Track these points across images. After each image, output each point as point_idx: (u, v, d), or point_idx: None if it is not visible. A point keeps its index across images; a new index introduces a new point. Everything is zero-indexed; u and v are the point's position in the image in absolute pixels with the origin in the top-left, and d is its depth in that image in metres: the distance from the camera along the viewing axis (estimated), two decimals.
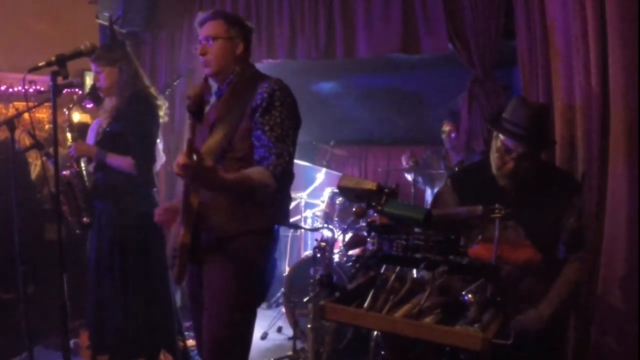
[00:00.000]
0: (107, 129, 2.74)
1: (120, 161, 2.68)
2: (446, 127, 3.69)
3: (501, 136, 2.01)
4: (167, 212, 2.05)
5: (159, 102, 2.82)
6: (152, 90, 2.84)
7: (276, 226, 1.95)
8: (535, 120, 1.97)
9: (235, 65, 1.95)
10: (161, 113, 2.82)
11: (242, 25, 1.98)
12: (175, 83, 3.81)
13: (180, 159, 1.50)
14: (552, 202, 2.01)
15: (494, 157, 2.06)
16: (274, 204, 1.88)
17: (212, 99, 2.03)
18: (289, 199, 2.01)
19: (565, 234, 2.01)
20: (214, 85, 2.05)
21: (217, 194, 1.79)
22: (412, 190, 3.70)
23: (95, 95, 2.84)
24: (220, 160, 1.83)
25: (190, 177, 1.55)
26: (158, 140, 2.90)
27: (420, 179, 3.77)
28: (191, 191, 1.74)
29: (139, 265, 2.75)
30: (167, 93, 3.60)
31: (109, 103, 2.79)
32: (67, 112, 2.86)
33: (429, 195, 3.90)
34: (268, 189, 1.75)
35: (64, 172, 2.73)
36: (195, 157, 1.50)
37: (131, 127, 2.67)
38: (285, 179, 1.83)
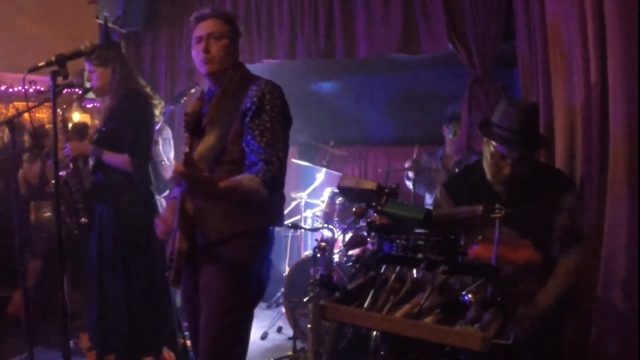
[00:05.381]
0: (103, 128, 2.75)
1: (116, 158, 2.68)
2: (458, 129, 3.59)
3: (494, 142, 1.99)
4: (169, 226, 2.02)
5: (155, 102, 2.82)
6: (148, 89, 2.84)
7: (270, 227, 1.95)
8: (526, 122, 1.95)
9: (231, 66, 1.94)
10: (157, 112, 2.82)
11: (237, 26, 1.97)
12: (192, 91, 3.69)
13: (178, 167, 1.54)
14: (543, 202, 2.00)
15: (488, 164, 2.04)
16: (266, 205, 1.87)
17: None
18: (282, 200, 2.00)
19: (557, 232, 2.01)
20: (205, 85, 2.06)
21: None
22: (413, 191, 3.70)
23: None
24: (215, 164, 1.84)
25: (186, 185, 1.59)
26: (170, 150, 2.89)
27: (421, 185, 3.76)
28: (187, 197, 1.76)
29: (141, 264, 2.75)
30: (182, 102, 3.53)
31: (102, 103, 2.80)
32: (61, 113, 2.85)
33: (427, 199, 3.89)
34: (260, 195, 1.76)
35: (61, 173, 2.73)
36: (192, 168, 1.54)
37: (126, 126, 2.67)
38: (276, 183, 1.82)
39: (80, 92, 3.01)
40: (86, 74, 2.79)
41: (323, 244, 2.91)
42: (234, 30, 1.95)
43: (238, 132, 1.83)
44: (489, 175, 2.05)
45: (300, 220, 4.15)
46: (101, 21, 4.08)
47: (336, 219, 3.76)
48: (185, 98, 3.54)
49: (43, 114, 5.37)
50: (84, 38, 2.09)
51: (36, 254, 3.77)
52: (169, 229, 1.98)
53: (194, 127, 1.53)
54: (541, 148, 2.40)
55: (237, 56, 1.99)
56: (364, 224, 3.21)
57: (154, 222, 2.10)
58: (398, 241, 1.59)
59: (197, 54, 1.92)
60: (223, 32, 1.90)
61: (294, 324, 3.51)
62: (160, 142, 3.55)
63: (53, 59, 1.91)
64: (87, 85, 2.81)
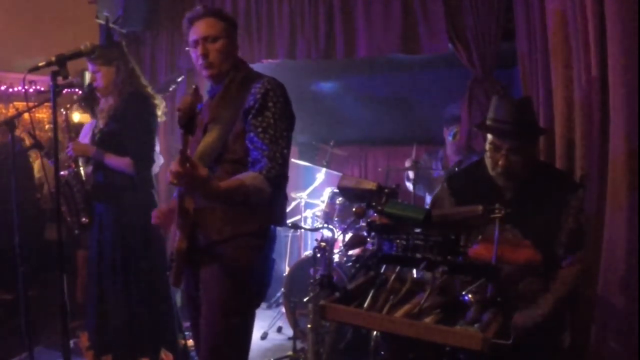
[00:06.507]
0: (105, 128, 2.74)
1: (119, 161, 2.68)
2: (459, 132, 3.57)
3: (489, 136, 2.04)
4: (165, 214, 2.05)
5: (157, 102, 2.82)
6: (150, 89, 2.84)
7: (272, 226, 1.93)
8: (517, 113, 1.99)
9: (232, 65, 1.93)
10: (159, 112, 2.82)
11: (234, 22, 1.95)
12: (179, 79, 3.79)
13: (174, 166, 1.47)
14: (549, 203, 2.01)
15: (486, 158, 2.08)
16: (269, 204, 1.85)
17: (205, 98, 2.01)
18: (285, 199, 1.99)
19: (563, 235, 2.01)
20: (206, 85, 2.04)
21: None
22: (413, 191, 3.70)
23: (91, 95, 2.84)
24: (215, 163, 1.82)
25: (184, 185, 1.53)
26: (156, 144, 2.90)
27: (421, 185, 3.76)
28: (186, 196, 1.73)
29: (140, 265, 2.75)
30: (170, 89, 3.59)
31: (105, 103, 2.79)
32: (64, 113, 2.86)
33: (427, 199, 3.89)
34: (263, 194, 1.73)
35: (62, 172, 2.73)
36: (188, 166, 1.47)
37: (129, 127, 2.67)
38: (279, 181, 1.80)
39: (80, 92, 3.02)
40: (88, 74, 2.79)
41: (323, 244, 2.90)
42: (229, 26, 1.91)
43: (240, 131, 1.81)
44: (489, 170, 2.07)
45: (300, 220, 4.15)
46: (101, 21, 4.08)
47: (336, 219, 3.77)
48: (174, 86, 3.60)
49: (43, 114, 5.37)
50: (84, 38, 2.10)
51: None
52: (165, 219, 1.99)
53: (188, 123, 1.46)
54: (536, 137, 2.40)
55: (237, 52, 1.96)
56: (364, 224, 3.21)
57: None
58: (398, 241, 1.59)
59: (196, 58, 1.90)
60: (218, 32, 1.87)
61: (294, 324, 3.51)
62: None
63: (53, 59, 1.91)
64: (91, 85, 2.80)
